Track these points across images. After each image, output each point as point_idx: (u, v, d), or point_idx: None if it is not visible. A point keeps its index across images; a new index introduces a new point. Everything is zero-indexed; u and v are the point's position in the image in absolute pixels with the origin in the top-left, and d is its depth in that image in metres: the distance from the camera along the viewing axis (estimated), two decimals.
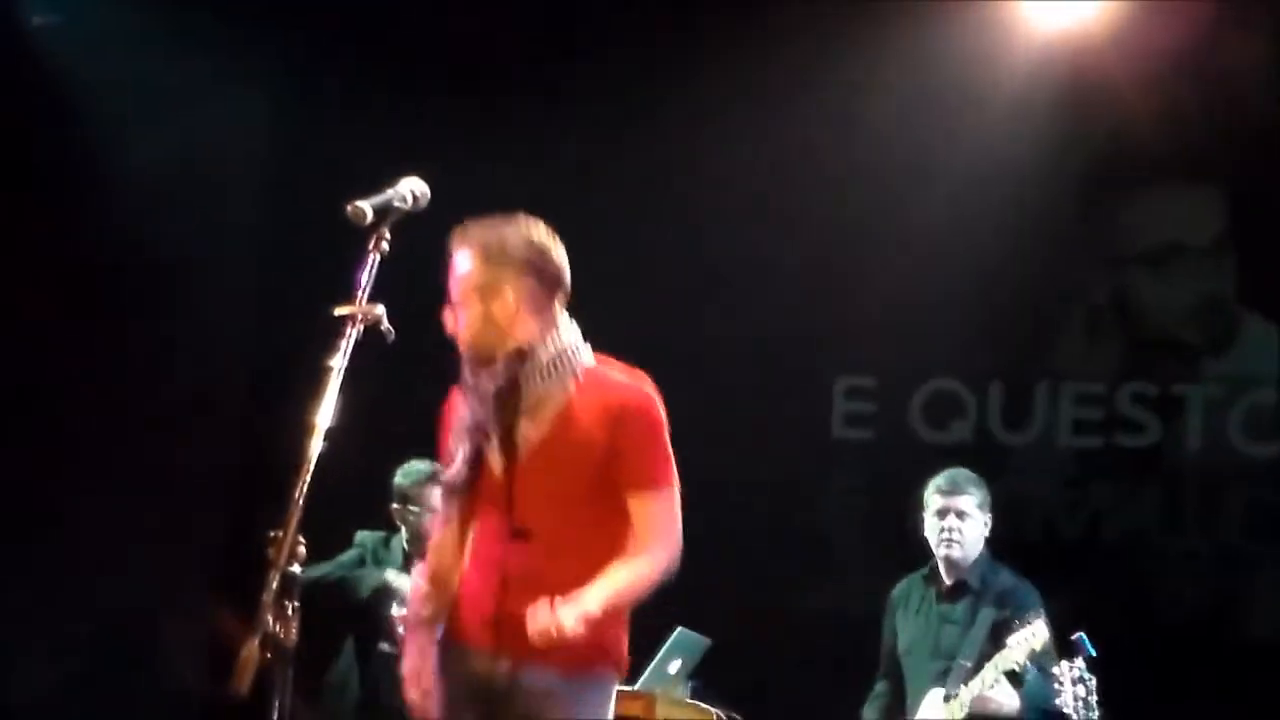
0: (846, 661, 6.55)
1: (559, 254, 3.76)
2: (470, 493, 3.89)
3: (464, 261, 3.71)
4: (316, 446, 3.25)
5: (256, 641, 3.01)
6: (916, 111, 7.14)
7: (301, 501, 3.14)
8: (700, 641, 6.55)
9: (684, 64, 7.39)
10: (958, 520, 5.77)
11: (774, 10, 7.38)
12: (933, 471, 6.01)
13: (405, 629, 4.31)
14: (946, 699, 5.54)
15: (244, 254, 7.54)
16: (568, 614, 3.38)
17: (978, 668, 5.53)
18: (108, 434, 7.29)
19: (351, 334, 3.41)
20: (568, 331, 3.75)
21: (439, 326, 3.76)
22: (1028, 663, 5.46)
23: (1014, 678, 5.54)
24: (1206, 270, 7.24)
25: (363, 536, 6.50)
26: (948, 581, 5.84)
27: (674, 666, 6.51)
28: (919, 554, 6.05)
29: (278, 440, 3.64)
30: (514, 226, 3.76)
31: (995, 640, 5.58)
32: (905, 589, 6.19)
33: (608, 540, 3.65)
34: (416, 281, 3.84)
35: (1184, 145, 6.90)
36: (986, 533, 5.87)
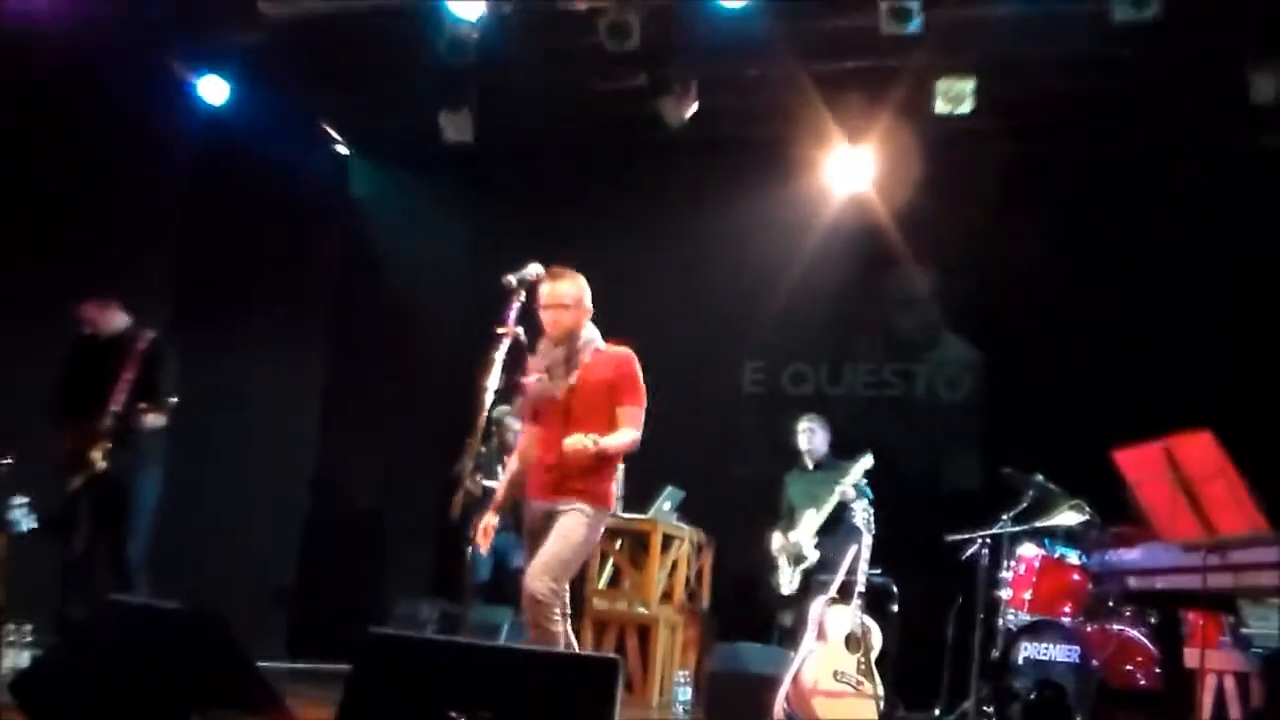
0: (758, 503, 9.40)
1: (588, 292, 5.84)
2: (544, 412, 5.81)
3: (557, 290, 5.71)
4: (489, 400, 5.38)
5: (462, 493, 5.33)
6: (775, 228, 10.38)
7: (482, 428, 5.35)
8: (679, 493, 9.50)
9: (659, 202, 10.86)
10: (814, 436, 9.03)
11: (697, 175, 10.60)
12: (796, 412, 9.44)
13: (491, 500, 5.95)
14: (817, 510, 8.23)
15: (455, 308, 10.94)
16: (582, 439, 5.44)
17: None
18: (396, 408, 11.02)
19: (505, 342, 5.49)
20: (590, 329, 5.78)
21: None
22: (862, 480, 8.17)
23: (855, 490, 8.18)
24: (925, 309, 10.55)
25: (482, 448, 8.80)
26: (810, 465, 8.97)
27: (666, 506, 9.45)
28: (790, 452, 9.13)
29: (470, 394, 5.44)
30: (571, 276, 5.79)
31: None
32: (795, 472, 9.10)
33: (608, 430, 5.61)
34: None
35: (915, 248, 10.14)
36: (829, 439, 9.01)
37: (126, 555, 7.42)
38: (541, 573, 5.49)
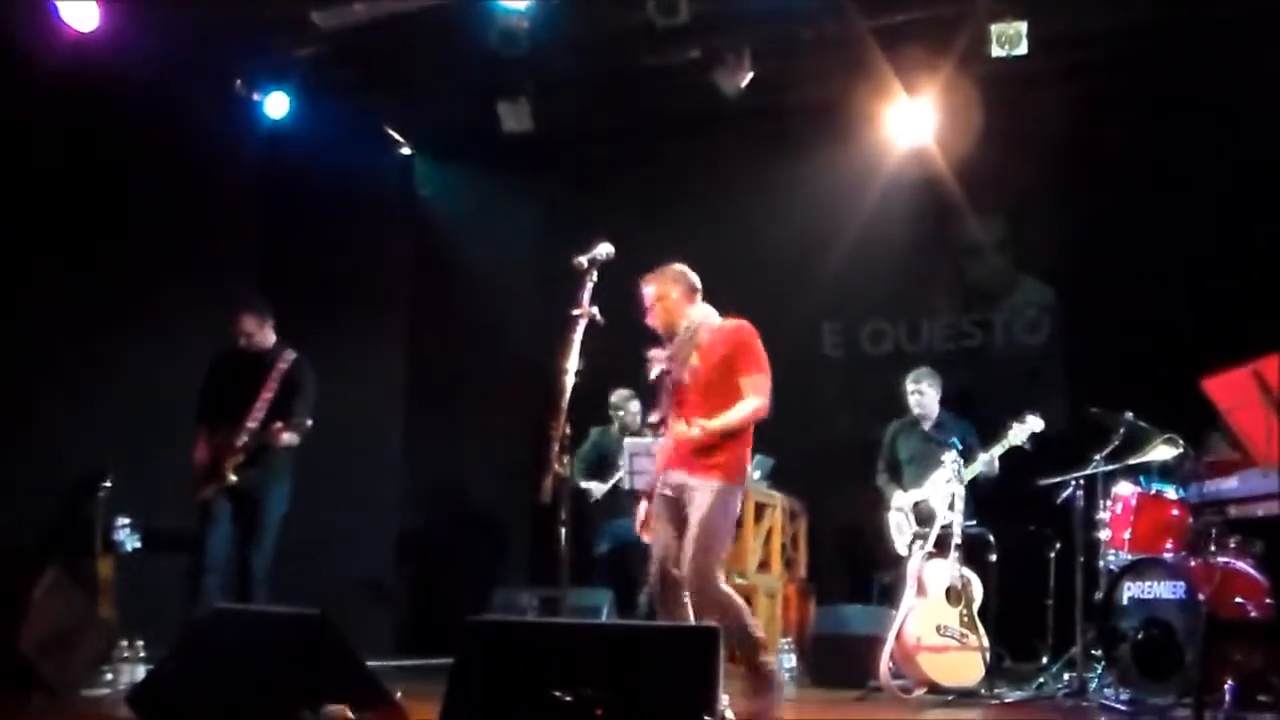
0: (847, 465, 9.56)
1: (692, 276, 5.99)
2: (671, 395, 5.94)
3: (647, 291, 5.96)
4: (570, 382, 5.31)
5: (551, 477, 5.25)
6: (839, 188, 10.28)
7: (566, 408, 5.26)
8: (769, 461, 9.33)
9: (722, 174, 10.89)
10: (925, 395, 8.81)
11: (756, 143, 10.68)
12: (872, 371, 10.06)
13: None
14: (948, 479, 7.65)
15: (529, 294, 10.98)
16: (685, 430, 5.72)
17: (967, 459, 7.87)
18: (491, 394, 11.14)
19: (581, 323, 5.45)
20: (702, 309, 5.95)
21: (625, 319, 5.75)
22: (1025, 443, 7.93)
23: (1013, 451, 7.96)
24: (996, 256, 10.50)
25: (594, 431, 9.41)
26: (925, 425, 8.78)
27: (756, 475, 9.00)
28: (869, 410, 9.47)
29: (552, 379, 5.43)
30: (655, 275, 5.98)
31: (966, 446, 8.17)
32: (898, 427, 8.92)
33: (733, 404, 5.76)
34: (615, 296, 5.76)
35: (980, 197, 10.09)
36: (939, 395, 8.80)
37: (251, 570, 7.54)
38: (693, 574, 5.67)
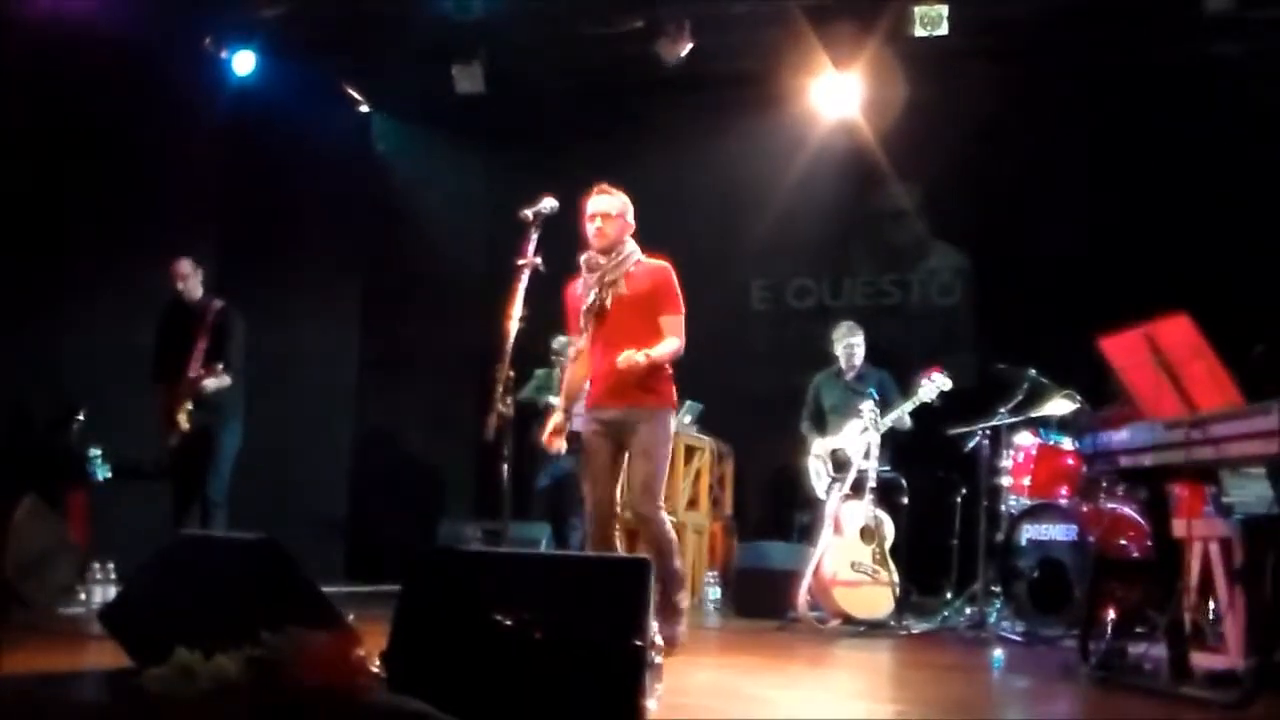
0: (772, 412, 9.53)
1: (631, 208, 5.84)
2: (596, 322, 5.77)
3: (600, 202, 5.72)
4: (515, 328, 5.31)
5: (494, 416, 5.21)
6: (770, 155, 10.45)
7: (510, 352, 5.23)
8: (698, 406, 9.50)
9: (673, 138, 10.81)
10: (854, 348, 8.78)
11: (693, 111, 10.71)
12: (797, 325, 10.18)
13: (553, 410, 6.16)
14: (864, 429, 7.72)
15: (479, 247, 11.12)
16: (633, 354, 5.52)
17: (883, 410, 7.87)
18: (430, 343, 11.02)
19: (525, 273, 5.44)
20: (632, 244, 5.82)
21: (568, 270, 5.75)
22: (935, 400, 7.99)
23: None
24: (915, 222, 10.64)
25: (538, 373, 9.30)
26: (849, 375, 8.79)
27: (687, 419, 9.32)
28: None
29: (497, 326, 5.37)
30: (615, 191, 5.79)
31: (883, 396, 8.19)
32: (822, 378, 8.95)
33: (654, 339, 5.67)
34: (558, 248, 5.69)
35: (902, 166, 10.26)
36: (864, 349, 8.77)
37: (209, 495, 7.62)
38: (645, 496, 5.61)
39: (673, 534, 5.79)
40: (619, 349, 5.60)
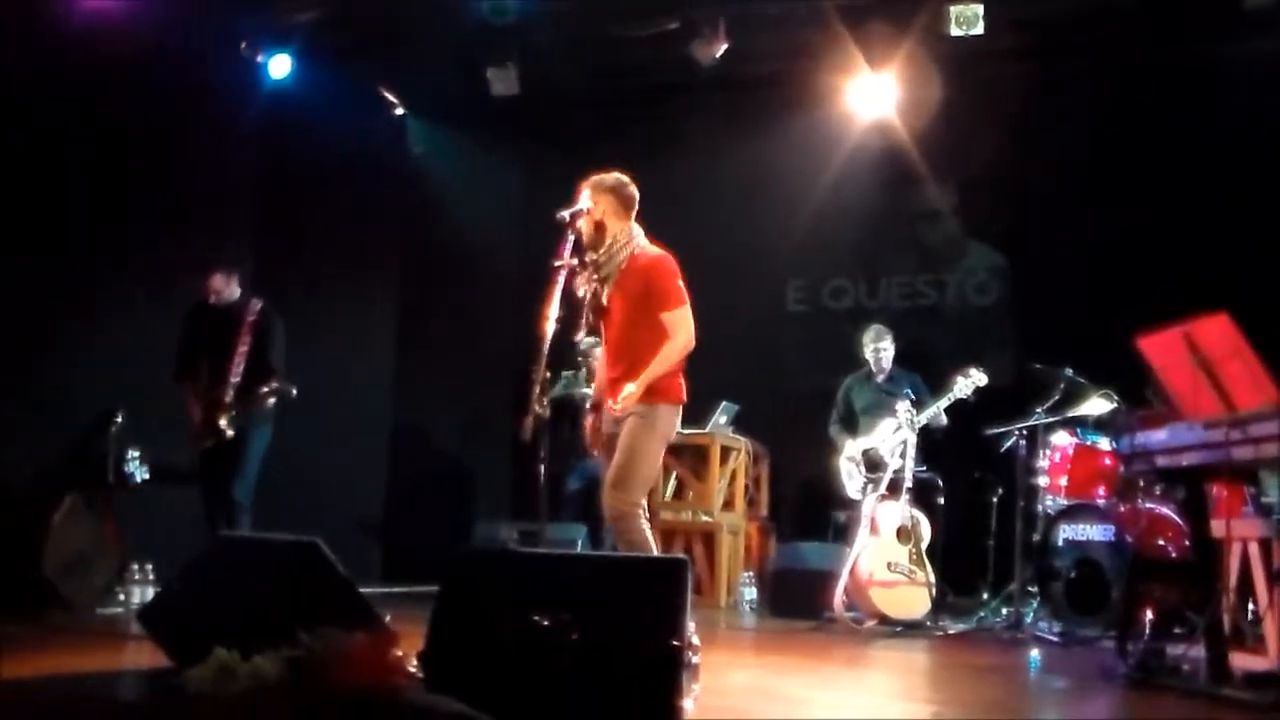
0: (808, 412, 9.44)
1: (630, 190, 5.42)
2: (599, 321, 5.51)
3: (582, 195, 5.42)
4: (551, 329, 5.10)
5: (531, 417, 5.03)
6: (806, 156, 10.40)
7: (546, 354, 5.04)
8: (734, 407, 9.51)
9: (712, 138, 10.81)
10: (884, 350, 8.79)
11: (729, 112, 10.68)
12: (833, 325, 10.11)
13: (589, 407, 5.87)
14: (898, 427, 7.76)
15: (514, 249, 11.17)
16: (625, 394, 5.28)
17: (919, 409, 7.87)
18: (466, 346, 11.03)
19: (561, 274, 5.23)
20: (632, 231, 5.43)
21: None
22: (970, 395, 8.01)
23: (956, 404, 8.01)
24: (950, 222, 10.55)
25: (565, 374, 9.32)
26: (880, 377, 8.79)
27: (723, 420, 9.45)
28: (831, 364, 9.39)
29: (532, 328, 5.13)
30: (591, 182, 5.45)
31: (916, 397, 8.16)
32: (852, 380, 8.94)
33: (656, 338, 5.36)
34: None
35: (937, 166, 10.16)
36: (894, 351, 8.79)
37: (235, 497, 7.54)
38: (612, 488, 5.29)
39: (647, 536, 5.31)
40: (623, 351, 5.46)
